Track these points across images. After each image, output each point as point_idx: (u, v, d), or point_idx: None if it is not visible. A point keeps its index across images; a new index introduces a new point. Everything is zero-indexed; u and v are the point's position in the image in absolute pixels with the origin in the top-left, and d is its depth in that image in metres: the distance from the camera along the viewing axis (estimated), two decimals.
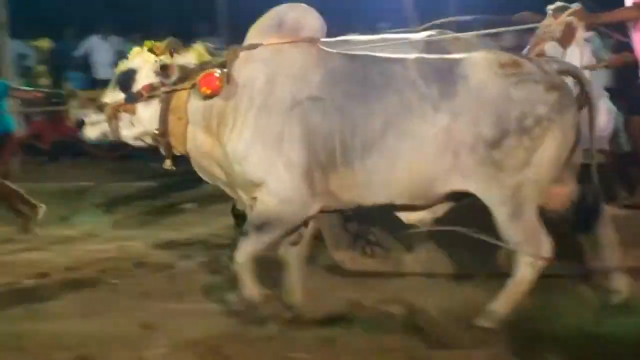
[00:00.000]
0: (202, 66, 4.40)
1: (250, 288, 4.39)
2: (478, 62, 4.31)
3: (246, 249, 4.36)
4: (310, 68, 4.36)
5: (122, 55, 5.01)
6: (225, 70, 4.33)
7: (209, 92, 4.32)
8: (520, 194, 4.21)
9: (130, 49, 4.70)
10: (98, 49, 13.12)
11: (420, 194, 4.36)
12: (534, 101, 4.21)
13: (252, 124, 4.32)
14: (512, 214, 4.21)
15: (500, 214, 4.22)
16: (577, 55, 5.40)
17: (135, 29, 11.92)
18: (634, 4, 5.41)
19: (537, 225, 4.24)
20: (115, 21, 13.40)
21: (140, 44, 4.61)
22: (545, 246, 4.22)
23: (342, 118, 4.26)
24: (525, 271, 4.23)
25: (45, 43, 13.15)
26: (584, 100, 4.35)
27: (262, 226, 4.35)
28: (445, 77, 4.25)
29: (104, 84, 4.93)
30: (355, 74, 4.37)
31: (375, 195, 4.37)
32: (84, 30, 13.61)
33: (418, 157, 4.23)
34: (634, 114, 6.00)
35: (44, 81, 12.44)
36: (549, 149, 4.20)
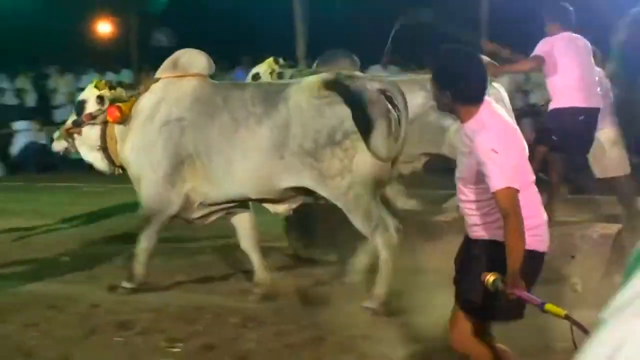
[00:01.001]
0: (115, 100, 6.14)
1: (140, 266, 6.10)
2: (301, 86, 5.52)
3: (143, 236, 6.04)
4: (183, 95, 5.91)
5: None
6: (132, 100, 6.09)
7: (111, 120, 6.10)
8: (351, 192, 5.32)
9: None
10: None
11: (265, 190, 5.70)
12: (342, 118, 5.27)
13: (135, 137, 6.01)
14: (348, 209, 5.39)
15: (341, 208, 5.39)
16: None
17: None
18: (531, 57, 6.73)
19: (378, 213, 5.39)
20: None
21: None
22: (392, 227, 5.45)
23: (195, 133, 5.81)
24: (384, 253, 5.39)
25: None
26: (397, 112, 5.33)
27: (145, 216, 6.04)
28: (271, 99, 5.49)
29: None
30: (211, 99, 5.83)
31: (226, 191, 5.84)
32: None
33: (249, 161, 5.55)
34: (539, 143, 6.64)
35: None
36: (365, 156, 5.27)
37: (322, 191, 5.47)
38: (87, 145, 6.33)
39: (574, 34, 6.71)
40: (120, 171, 6.35)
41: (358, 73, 6.30)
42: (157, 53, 11.23)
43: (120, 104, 6.07)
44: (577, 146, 6.86)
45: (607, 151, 7.27)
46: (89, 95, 6.32)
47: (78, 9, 15.96)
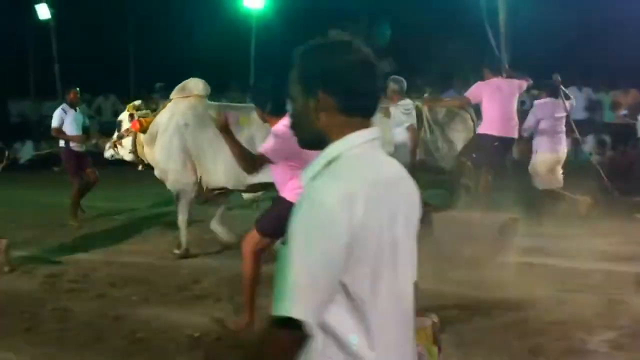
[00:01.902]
0: (141, 116, 8.76)
1: (184, 235, 8.54)
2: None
3: (179, 211, 8.52)
4: (187, 110, 8.46)
5: None
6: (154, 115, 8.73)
7: (134, 130, 8.81)
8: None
9: None
10: None
11: (238, 182, 8.11)
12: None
13: (158, 142, 8.58)
14: None
15: None
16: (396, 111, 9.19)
17: None
18: (461, 97, 9.86)
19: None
20: None
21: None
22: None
23: (195, 136, 8.36)
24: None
25: None
26: None
27: (176, 197, 8.56)
28: (235, 117, 7.59)
29: None
30: (205, 114, 8.25)
31: (216, 181, 8.37)
32: None
33: (226, 162, 7.64)
34: (461, 156, 9.51)
35: None
36: None
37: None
38: (126, 150, 9.00)
39: (502, 80, 9.25)
40: (143, 167, 9.12)
41: None
42: None
43: (141, 119, 8.68)
44: (487, 163, 9.30)
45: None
46: (124, 116, 9.13)
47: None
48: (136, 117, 8.71)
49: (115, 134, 9.12)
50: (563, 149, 9.97)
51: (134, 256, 8.70)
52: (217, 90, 13.22)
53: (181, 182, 8.40)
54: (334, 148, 2.11)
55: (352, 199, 1.96)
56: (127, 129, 8.87)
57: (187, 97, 8.51)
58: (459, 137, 9.75)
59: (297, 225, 1.97)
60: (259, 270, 5.66)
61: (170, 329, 6.04)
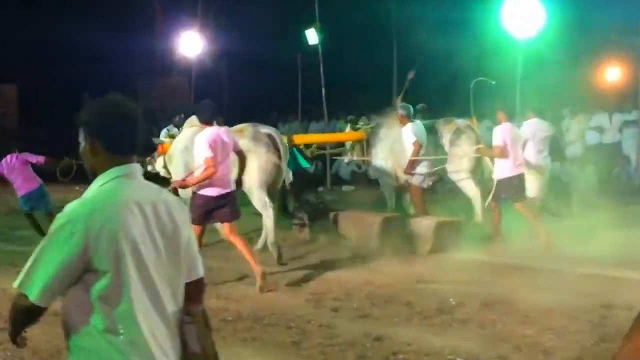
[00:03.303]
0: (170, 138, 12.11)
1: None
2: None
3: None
4: (189, 136, 10.12)
5: None
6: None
7: (159, 151, 11.37)
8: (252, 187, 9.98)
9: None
10: None
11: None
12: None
13: (178, 157, 10.63)
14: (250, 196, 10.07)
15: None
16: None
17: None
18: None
19: (264, 200, 9.91)
20: None
21: None
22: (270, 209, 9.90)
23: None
24: (268, 222, 9.96)
25: None
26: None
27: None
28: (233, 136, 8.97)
29: None
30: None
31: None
32: None
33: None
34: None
35: None
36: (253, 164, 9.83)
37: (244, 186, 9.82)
38: (159, 167, 11.28)
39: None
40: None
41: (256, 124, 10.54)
42: None
43: (165, 142, 11.70)
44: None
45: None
46: (158, 140, 12.19)
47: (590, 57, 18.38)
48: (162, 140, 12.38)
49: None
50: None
51: (392, 276, 8.83)
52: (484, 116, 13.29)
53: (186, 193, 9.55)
54: (100, 178, 2.95)
55: (91, 215, 2.78)
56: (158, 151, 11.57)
57: (192, 127, 10.28)
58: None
59: (53, 227, 2.83)
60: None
61: (432, 352, 6.06)
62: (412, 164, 11.32)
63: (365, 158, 12.91)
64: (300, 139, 13.12)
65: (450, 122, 12.04)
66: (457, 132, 11.77)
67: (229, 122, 10.06)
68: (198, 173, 8.32)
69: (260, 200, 9.90)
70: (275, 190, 10.35)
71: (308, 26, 20.61)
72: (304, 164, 12.15)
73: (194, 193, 8.47)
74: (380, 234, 10.51)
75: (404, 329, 6.79)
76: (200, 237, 8.21)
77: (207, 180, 8.18)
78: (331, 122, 21.15)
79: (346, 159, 14.07)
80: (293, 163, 11.57)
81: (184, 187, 8.68)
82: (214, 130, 8.36)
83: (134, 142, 3.01)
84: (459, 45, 18.77)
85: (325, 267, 9.44)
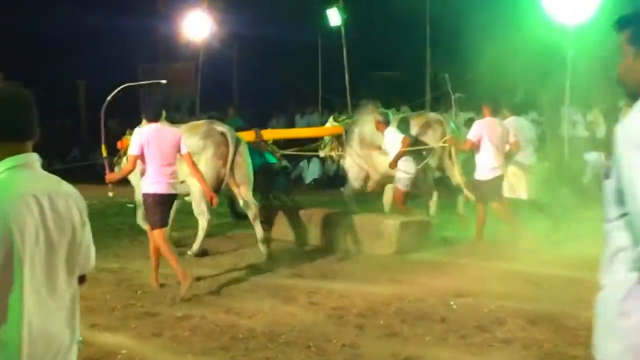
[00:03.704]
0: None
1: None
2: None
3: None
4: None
5: None
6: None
7: (119, 146, 12.06)
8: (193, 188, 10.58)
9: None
10: None
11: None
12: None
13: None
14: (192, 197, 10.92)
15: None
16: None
17: None
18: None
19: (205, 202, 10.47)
20: None
21: None
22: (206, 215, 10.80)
23: None
24: (202, 221, 10.83)
25: None
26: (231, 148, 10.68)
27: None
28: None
29: None
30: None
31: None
32: None
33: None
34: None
35: None
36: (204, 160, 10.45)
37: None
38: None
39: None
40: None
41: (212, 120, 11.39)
42: None
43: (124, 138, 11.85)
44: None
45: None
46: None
47: None
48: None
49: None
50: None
51: (423, 289, 8.73)
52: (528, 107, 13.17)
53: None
54: None
55: None
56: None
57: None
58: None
59: None
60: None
61: None
62: (400, 156, 11.66)
63: (340, 154, 13.51)
64: (269, 134, 13.79)
65: (420, 115, 13.06)
66: (425, 126, 12.51)
67: (243, 116, 10.14)
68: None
69: (198, 206, 10.66)
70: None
71: (329, 5, 20.52)
72: (271, 159, 12.95)
73: (143, 195, 8.89)
74: (345, 233, 11.18)
75: (438, 349, 6.70)
76: (165, 241, 8.66)
77: (152, 178, 8.65)
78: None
79: (321, 153, 14.32)
80: (260, 158, 12.30)
81: (111, 181, 9.25)
82: (152, 128, 8.78)
83: (27, 130, 3.15)
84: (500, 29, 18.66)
85: (347, 278, 9.38)
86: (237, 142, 10.79)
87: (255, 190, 11.47)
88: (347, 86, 19.49)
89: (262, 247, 10.53)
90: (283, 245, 11.60)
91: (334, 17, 20.36)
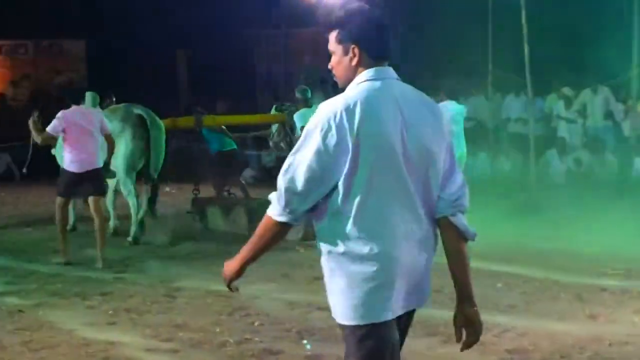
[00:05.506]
0: None
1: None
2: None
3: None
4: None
5: None
6: None
7: None
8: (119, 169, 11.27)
9: None
10: None
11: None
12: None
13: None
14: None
15: None
16: None
17: None
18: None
19: (131, 183, 11.16)
20: None
21: None
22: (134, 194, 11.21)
23: None
24: (132, 212, 11.31)
25: None
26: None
27: None
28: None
29: None
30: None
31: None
32: None
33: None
34: None
35: None
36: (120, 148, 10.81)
37: None
38: None
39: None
40: None
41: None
42: None
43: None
44: None
45: None
46: None
47: None
48: None
49: None
50: None
51: (630, 327, 7.02)
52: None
53: None
54: None
55: None
56: None
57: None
58: None
59: None
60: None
61: None
62: None
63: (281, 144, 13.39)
64: (211, 120, 13.31)
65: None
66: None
67: None
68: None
69: (125, 186, 11.09)
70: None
71: None
72: (230, 145, 13.11)
73: (61, 168, 9.81)
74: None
75: None
76: (64, 208, 9.83)
77: (71, 156, 9.52)
78: None
79: (271, 142, 14.19)
80: (218, 142, 12.87)
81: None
82: (71, 110, 9.67)
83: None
84: None
85: (528, 311, 7.59)
86: (152, 125, 11.22)
87: (209, 179, 12.27)
88: None
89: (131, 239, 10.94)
90: None
91: None
